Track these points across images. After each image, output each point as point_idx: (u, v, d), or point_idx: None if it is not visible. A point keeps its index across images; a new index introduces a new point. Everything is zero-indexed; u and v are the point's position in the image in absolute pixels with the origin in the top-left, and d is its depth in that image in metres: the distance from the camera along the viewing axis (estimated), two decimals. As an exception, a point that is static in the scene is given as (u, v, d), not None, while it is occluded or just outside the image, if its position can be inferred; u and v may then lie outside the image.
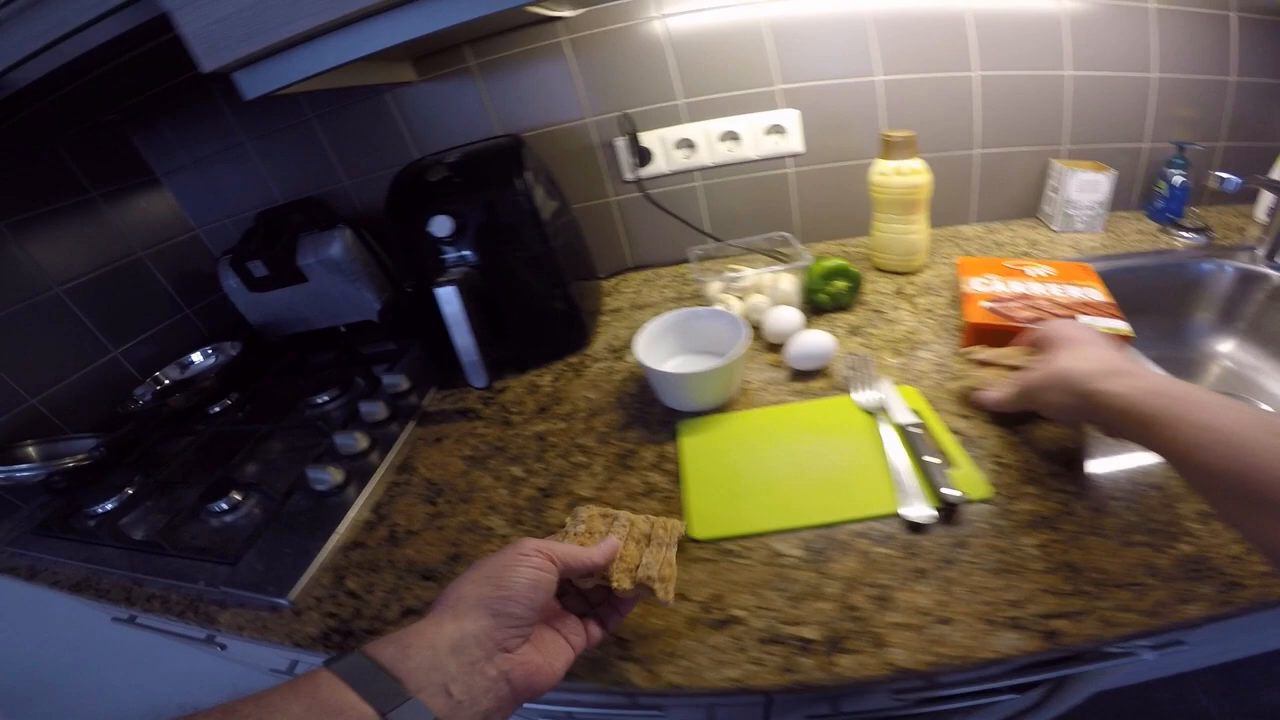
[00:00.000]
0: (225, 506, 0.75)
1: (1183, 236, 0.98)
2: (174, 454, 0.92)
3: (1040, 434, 0.59)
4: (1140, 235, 1.01)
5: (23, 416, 0.94)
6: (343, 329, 1.12)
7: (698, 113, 0.97)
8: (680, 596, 0.48)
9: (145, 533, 0.77)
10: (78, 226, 1.04)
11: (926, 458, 0.54)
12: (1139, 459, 0.54)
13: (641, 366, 0.70)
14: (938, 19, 0.91)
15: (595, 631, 0.43)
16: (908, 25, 0.92)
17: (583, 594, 0.45)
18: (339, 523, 0.68)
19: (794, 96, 0.96)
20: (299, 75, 0.60)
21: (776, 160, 1.01)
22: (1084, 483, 0.53)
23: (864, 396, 0.67)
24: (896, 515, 0.50)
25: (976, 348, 0.72)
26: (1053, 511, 0.50)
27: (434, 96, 0.98)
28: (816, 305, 0.86)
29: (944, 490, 0.51)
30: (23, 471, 0.85)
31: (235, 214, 1.17)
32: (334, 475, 0.72)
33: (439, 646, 0.34)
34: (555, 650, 0.39)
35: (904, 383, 0.70)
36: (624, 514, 0.50)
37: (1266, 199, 1.01)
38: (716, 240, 1.01)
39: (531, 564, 0.38)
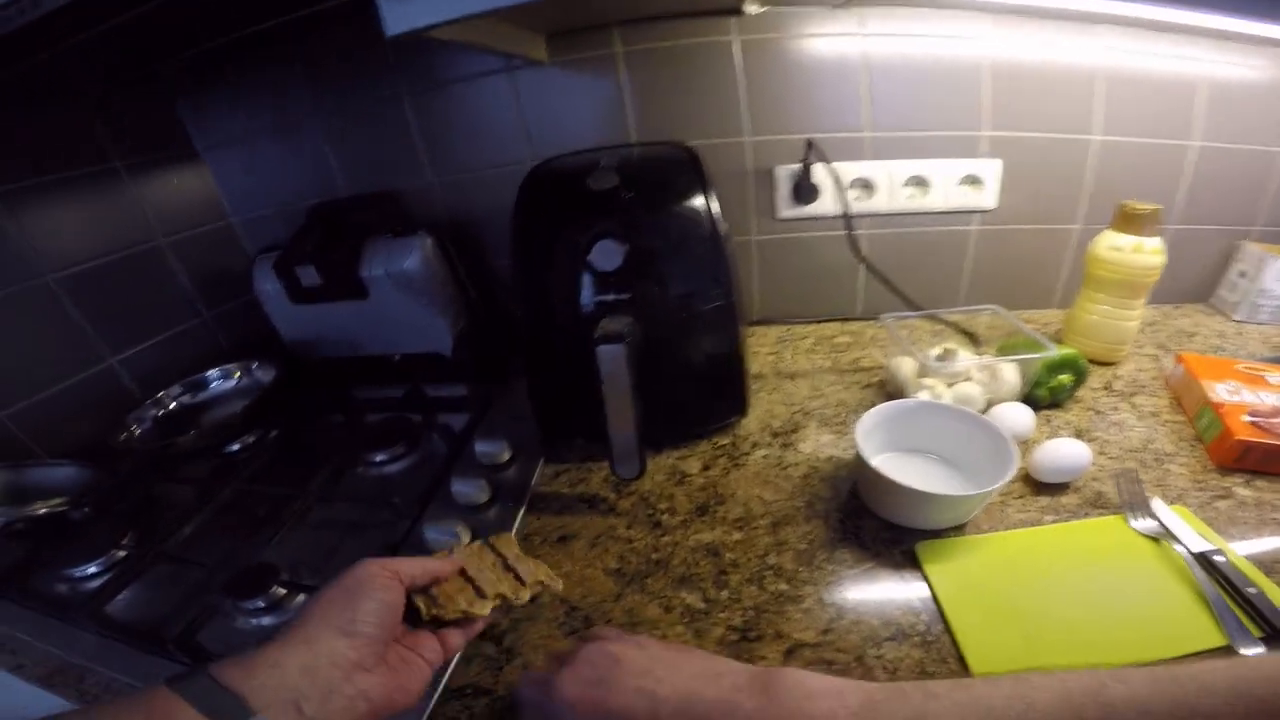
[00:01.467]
0: (263, 604, 0.54)
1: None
2: (180, 510, 0.70)
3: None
4: (1326, 331, 0.89)
5: (-14, 435, 0.72)
6: (397, 359, 0.91)
7: (882, 150, 0.81)
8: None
9: (142, 622, 0.56)
10: (90, 201, 0.81)
11: (1249, 589, 0.47)
12: None
13: (866, 474, 0.55)
14: (1170, 81, 0.79)
15: (454, 641, 0.43)
16: (1139, 85, 0.79)
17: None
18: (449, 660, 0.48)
19: (1000, 145, 0.80)
20: (461, 10, 0.42)
21: (962, 215, 0.85)
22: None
23: (1144, 523, 0.55)
24: (1225, 649, 0.44)
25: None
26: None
27: (563, 84, 0.79)
28: (1031, 400, 0.70)
29: None
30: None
31: (282, 204, 0.95)
32: (433, 590, 0.52)
33: (287, 667, 0.33)
34: (413, 671, 0.38)
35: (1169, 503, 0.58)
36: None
37: None
38: (917, 309, 0.83)
39: (379, 584, 0.38)
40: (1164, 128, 0.82)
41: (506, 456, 0.67)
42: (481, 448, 0.67)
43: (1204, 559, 0.50)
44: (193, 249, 0.94)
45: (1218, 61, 0.78)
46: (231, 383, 0.89)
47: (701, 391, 0.68)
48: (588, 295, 0.61)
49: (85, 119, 0.80)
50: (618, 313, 0.58)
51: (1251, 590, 0.46)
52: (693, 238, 0.61)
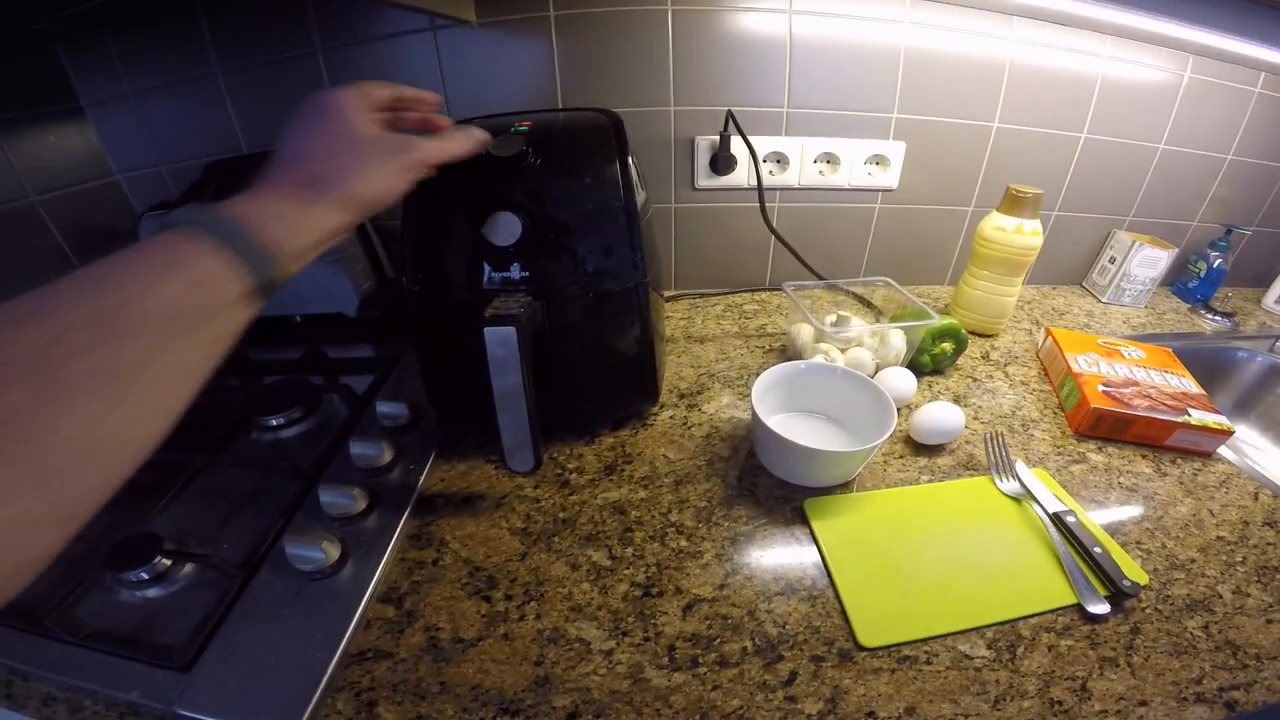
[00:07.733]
0: (146, 576, 0.51)
1: (1211, 320, 0.99)
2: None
3: (1171, 519, 0.58)
4: (1176, 315, 1.01)
5: None
6: (298, 319, 0.87)
7: (798, 127, 0.84)
8: (869, 715, 0.42)
9: (17, 602, 0.51)
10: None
11: (1094, 549, 0.52)
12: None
13: (761, 432, 0.58)
14: (1071, 76, 0.86)
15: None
16: (1042, 77, 0.85)
17: None
18: (349, 620, 0.47)
19: (905, 128, 0.85)
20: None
21: (868, 193, 0.89)
22: (1221, 568, 0.53)
23: (1008, 484, 0.60)
24: (1075, 606, 0.48)
25: None
26: (1203, 595, 0.50)
27: (489, 48, 0.77)
28: (915, 366, 0.75)
29: (1123, 581, 0.49)
30: None
31: (175, 161, 0.89)
32: (328, 552, 0.51)
33: (305, 230, 0.36)
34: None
35: (1032, 466, 0.64)
36: None
37: (1278, 286, 1.05)
38: (820, 278, 0.87)
39: (412, 177, 0.41)
40: (1059, 119, 0.89)
41: (409, 418, 0.66)
42: (384, 409, 0.66)
43: (1058, 520, 0.55)
44: (71, 206, 0.86)
45: (1117, 59, 0.85)
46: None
47: (619, 374, 0.65)
48: (485, 274, 0.56)
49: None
50: (518, 293, 0.54)
51: (1097, 550, 0.51)
52: (605, 210, 0.56)
